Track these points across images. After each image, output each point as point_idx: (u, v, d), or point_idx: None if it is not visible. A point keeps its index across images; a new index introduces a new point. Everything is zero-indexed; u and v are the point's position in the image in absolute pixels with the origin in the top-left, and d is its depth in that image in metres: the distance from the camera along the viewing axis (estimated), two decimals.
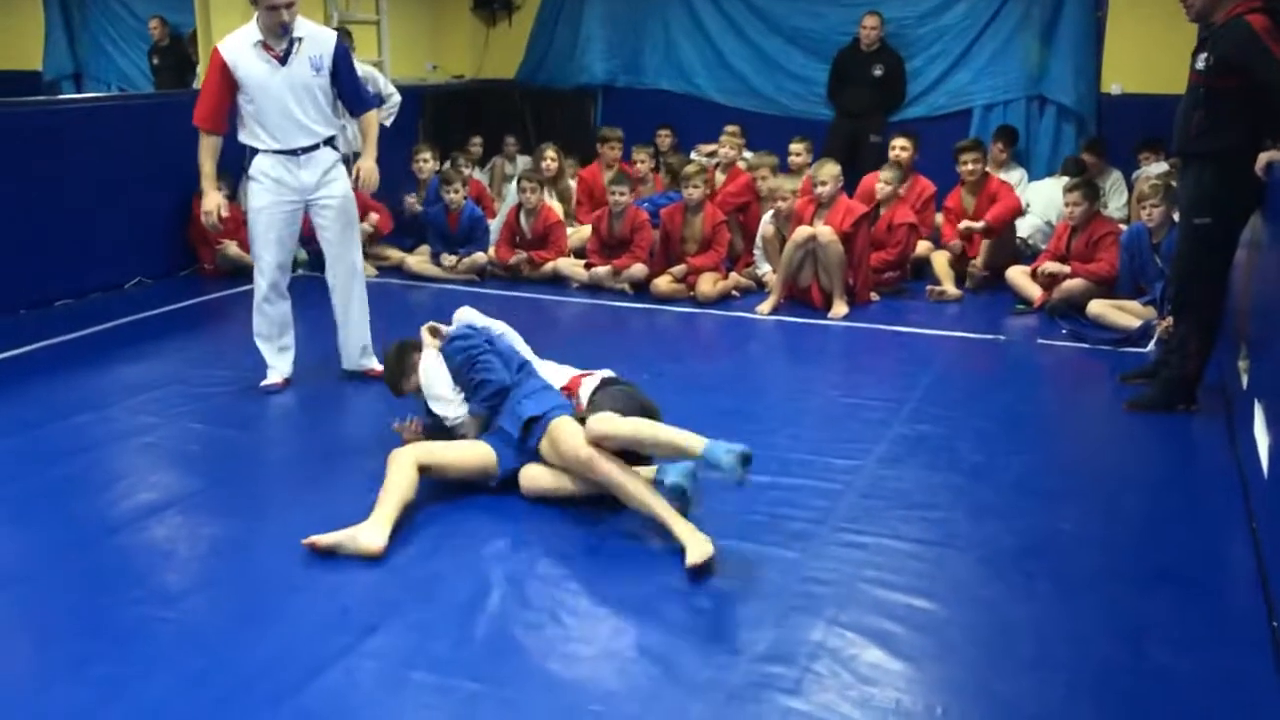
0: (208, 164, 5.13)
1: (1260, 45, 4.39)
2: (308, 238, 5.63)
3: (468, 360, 4.23)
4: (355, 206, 5.42)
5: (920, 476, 4.31)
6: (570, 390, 4.27)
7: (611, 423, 3.82)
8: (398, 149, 8.12)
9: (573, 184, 8.79)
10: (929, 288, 7.24)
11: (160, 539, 3.76)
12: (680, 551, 3.52)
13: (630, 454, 3.91)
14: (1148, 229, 6.28)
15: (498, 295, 7.19)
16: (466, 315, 4.54)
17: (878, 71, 9.35)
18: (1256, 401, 4.14)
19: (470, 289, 7.41)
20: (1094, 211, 6.82)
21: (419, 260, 7.89)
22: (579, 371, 4.41)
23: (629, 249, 7.43)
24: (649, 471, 3.88)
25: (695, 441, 3.67)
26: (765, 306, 6.91)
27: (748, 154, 8.57)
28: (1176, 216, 5.40)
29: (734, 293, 7.29)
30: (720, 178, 8.32)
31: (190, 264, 7.87)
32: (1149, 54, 8.60)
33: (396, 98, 7.80)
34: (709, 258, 7.27)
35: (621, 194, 7.41)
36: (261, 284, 5.26)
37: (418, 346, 4.48)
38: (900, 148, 7.75)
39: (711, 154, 9.00)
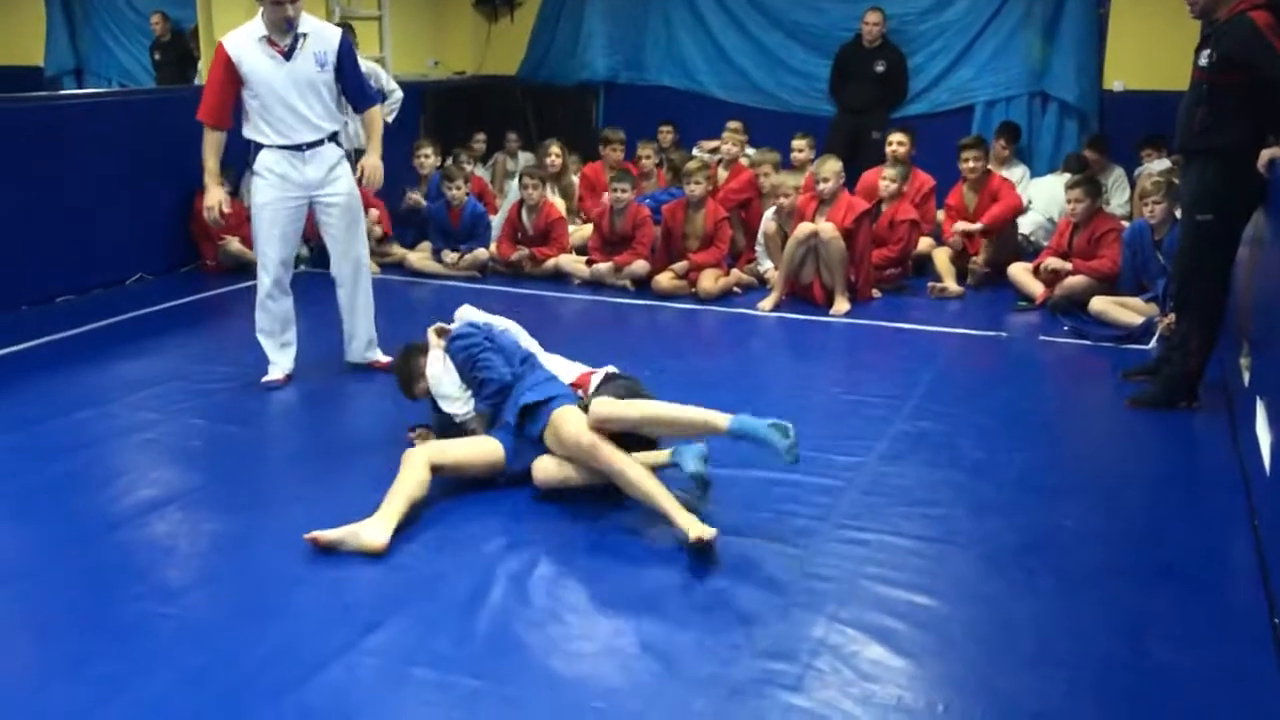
0: (211, 159, 5.14)
1: (1263, 41, 4.38)
2: (307, 234, 5.63)
3: (469, 359, 4.24)
4: (360, 203, 5.43)
5: (922, 473, 4.31)
6: (579, 386, 4.28)
7: (615, 405, 3.84)
8: (399, 145, 8.10)
9: (575, 180, 8.79)
10: (931, 284, 7.23)
11: (161, 535, 3.76)
12: (683, 540, 3.53)
13: (630, 442, 3.90)
14: (1150, 226, 6.27)
15: (499, 292, 7.20)
16: (467, 314, 4.54)
17: (880, 68, 9.34)
18: (1258, 398, 4.14)
19: (472, 285, 7.41)
20: (1096, 208, 6.81)
21: (420, 257, 7.89)
22: (587, 369, 4.42)
23: (630, 245, 7.42)
24: (651, 458, 3.90)
25: (719, 417, 3.69)
26: (767, 303, 6.90)
27: (750, 150, 8.56)
28: (1179, 213, 5.39)
29: (735, 289, 7.28)
30: (723, 174, 8.31)
31: (192, 260, 7.87)
32: (1151, 50, 8.59)
33: (398, 94, 7.79)
34: (711, 254, 7.26)
35: (623, 191, 7.40)
36: (265, 280, 5.26)
37: (423, 350, 4.48)
38: (897, 143, 7.74)
39: (714, 150, 8.99)
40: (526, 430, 4.04)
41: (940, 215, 7.91)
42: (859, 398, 5.18)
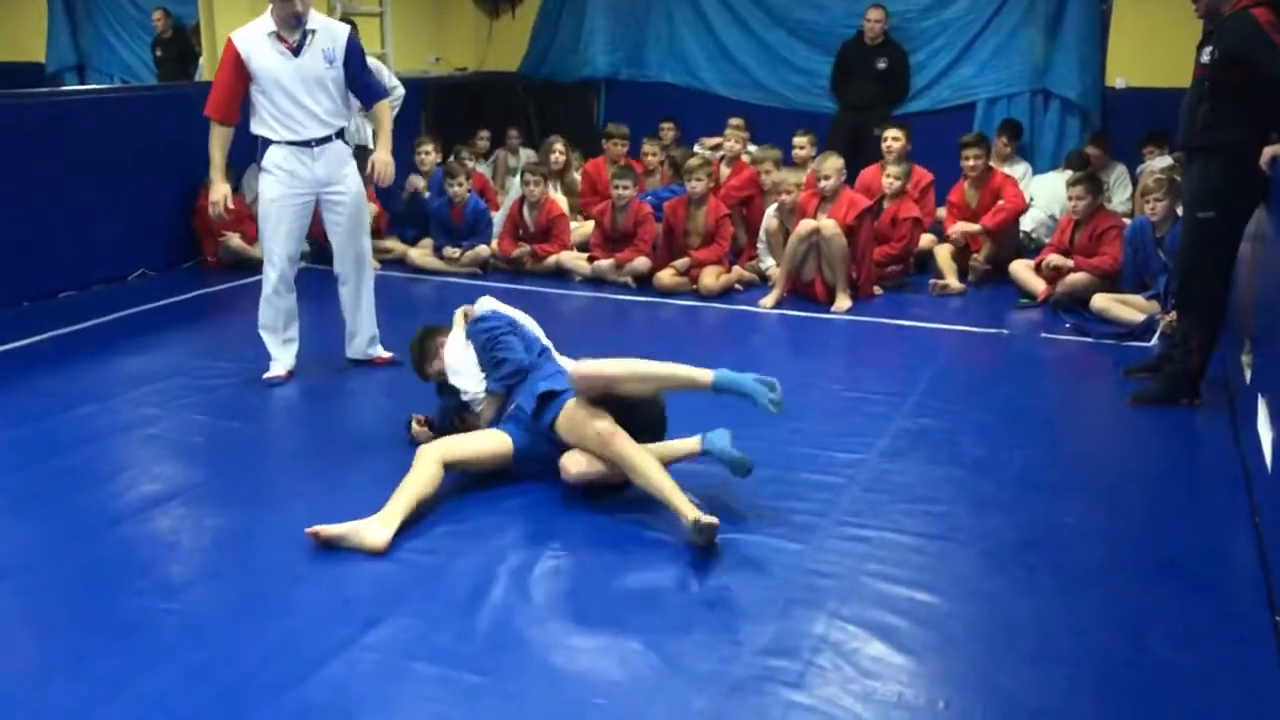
0: (218, 154, 5.15)
1: (1265, 38, 4.38)
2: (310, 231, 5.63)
3: (490, 340, 4.29)
4: (365, 201, 5.44)
5: (923, 470, 4.31)
6: None
7: (596, 362, 3.90)
8: (400, 142, 8.02)
9: (578, 177, 8.79)
10: (932, 281, 7.23)
11: (163, 531, 3.77)
12: (686, 526, 3.55)
13: (640, 434, 3.92)
14: (1151, 223, 6.26)
15: (501, 288, 7.19)
16: (489, 304, 4.59)
17: (881, 65, 9.34)
18: (1260, 396, 4.14)
19: (473, 282, 7.42)
20: (1097, 205, 6.81)
21: (422, 253, 7.89)
22: None
23: (632, 242, 7.42)
24: (677, 448, 3.94)
25: (703, 373, 3.72)
26: (768, 300, 6.90)
27: (751, 148, 8.56)
28: (1180, 211, 5.39)
29: (737, 286, 7.28)
30: (725, 171, 8.31)
31: (193, 256, 7.88)
32: (1154, 48, 8.58)
33: (400, 90, 7.80)
34: (712, 251, 7.26)
35: (625, 188, 7.40)
36: (271, 276, 5.27)
37: (442, 331, 4.55)
38: (893, 138, 7.74)
39: (715, 147, 8.99)
40: (541, 417, 4.04)
41: (942, 212, 7.91)
42: (860, 395, 5.18)
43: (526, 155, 9.80)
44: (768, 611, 3.23)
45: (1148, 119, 8.37)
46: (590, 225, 7.88)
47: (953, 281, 7.20)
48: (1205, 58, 4.64)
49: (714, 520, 3.54)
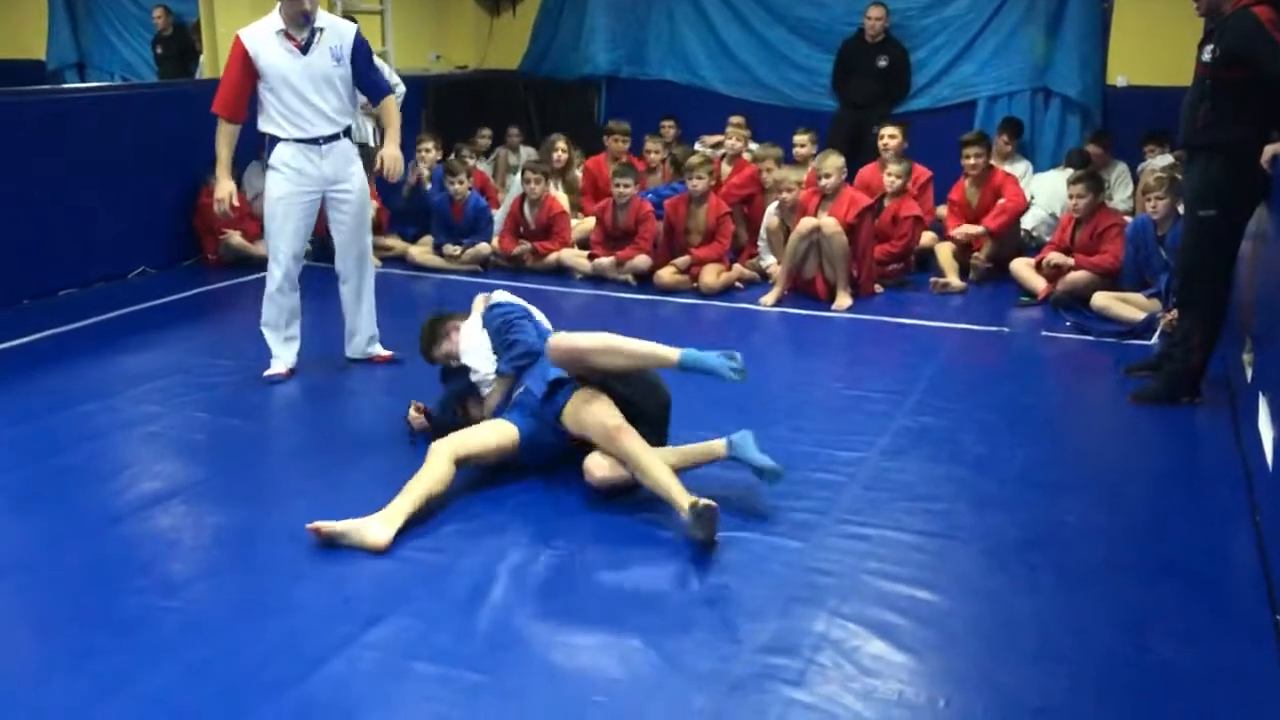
0: (224, 152, 5.17)
1: (1266, 36, 4.38)
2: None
3: (506, 323, 4.33)
4: (369, 199, 5.45)
5: (923, 468, 4.30)
6: None
7: (570, 336, 3.96)
8: (401, 139, 8.10)
9: (579, 174, 8.78)
10: (933, 280, 7.23)
11: (164, 528, 3.77)
12: (686, 515, 3.56)
13: (652, 437, 3.94)
14: (1152, 221, 6.26)
15: (501, 286, 7.14)
16: (505, 295, 4.64)
17: (882, 63, 9.33)
18: (1261, 394, 4.14)
19: (474, 279, 7.41)
20: (1098, 204, 6.81)
21: (422, 251, 7.89)
22: None
23: (633, 240, 7.42)
24: (700, 452, 3.95)
25: (670, 351, 3.78)
26: (769, 298, 6.90)
27: (753, 145, 8.56)
28: (1181, 209, 5.38)
29: (738, 284, 7.28)
30: (726, 169, 8.30)
31: (194, 254, 7.88)
32: (1155, 46, 8.58)
33: (401, 88, 7.78)
34: (713, 249, 7.26)
35: (626, 186, 7.40)
36: (276, 273, 5.28)
37: (454, 317, 4.62)
38: (889, 136, 7.74)
39: (717, 145, 8.99)
40: (551, 401, 4.05)
41: (942, 210, 7.91)
42: (861, 393, 5.18)
43: (527, 153, 9.80)
44: (768, 609, 3.23)
45: (1149, 117, 8.36)
46: (590, 223, 7.88)
47: (954, 280, 7.20)
48: (1206, 56, 4.64)
49: (711, 502, 3.53)
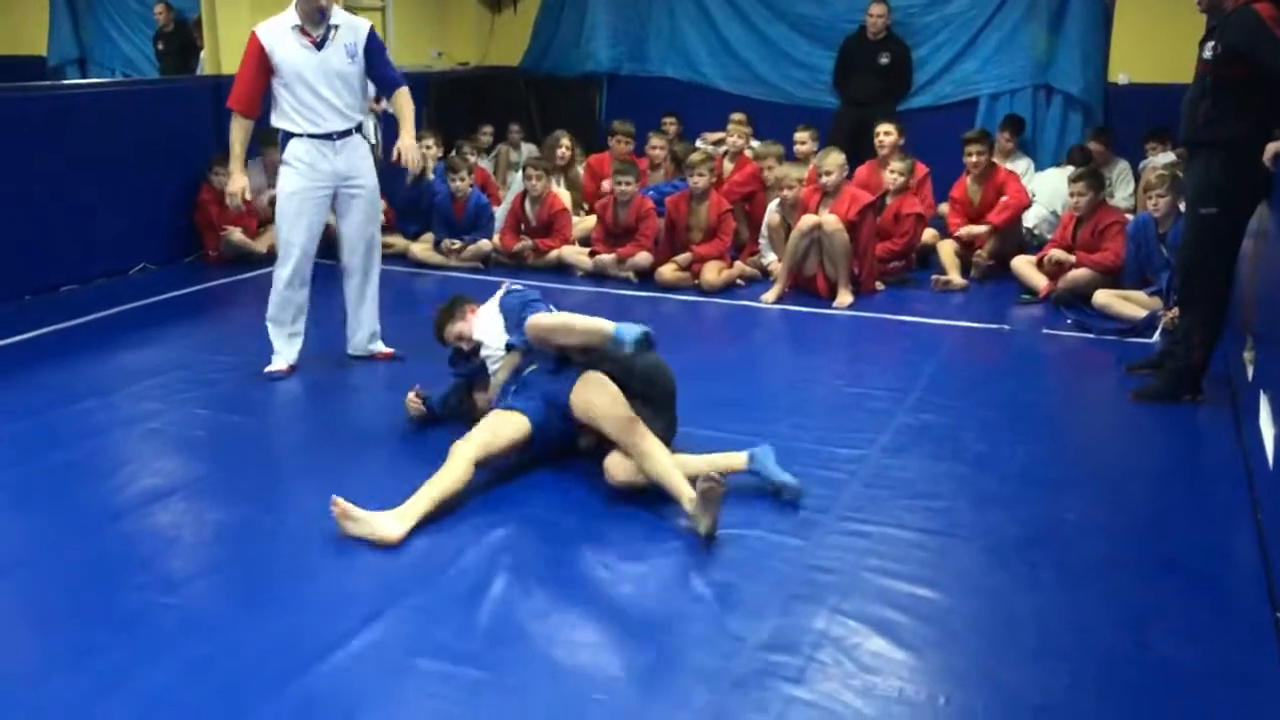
0: (239, 146, 5.20)
1: (1268, 33, 4.38)
2: None
3: (521, 304, 4.39)
4: (379, 195, 5.49)
5: (924, 466, 4.30)
6: None
7: (539, 315, 4.12)
8: None
9: (581, 171, 8.78)
10: (934, 277, 7.23)
11: (164, 525, 3.77)
12: (690, 508, 3.57)
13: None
14: (1154, 219, 6.26)
15: (502, 283, 7.17)
16: (520, 286, 4.70)
17: (884, 60, 9.32)
18: (1262, 392, 4.14)
19: (475, 276, 7.41)
20: (1099, 201, 6.81)
21: (423, 248, 7.88)
22: None
23: (634, 237, 7.42)
24: (723, 462, 3.96)
25: (607, 325, 3.86)
26: (770, 295, 6.90)
27: (754, 143, 8.55)
28: (1183, 206, 5.38)
29: (739, 281, 7.28)
30: (728, 167, 8.30)
31: (194, 251, 7.88)
32: (1156, 43, 8.56)
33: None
34: (714, 246, 7.26)
35: (627, 183, 7.39)
36: (286, 268, 5.28)
37: (472, 300, 4.70)
38: (884, 133, 7.74)
39: (718, 142, 8.98)
40: (558, 377, 4.08)
41: (944, 208, 7.91)
42: (862, 390, 5.18)
43: (528, 150, 9.79)
44: (769, 607, 3.23)
45: (1150, 115, 8.34)
46: (592, 220, 7.87)
47: (955, 277, 7.19)
48: (1207, 53, 4.64)
49: (716, 477, 3.53)
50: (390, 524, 3.59)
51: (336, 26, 5.13)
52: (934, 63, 9.51)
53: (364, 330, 5.54)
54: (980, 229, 7.40)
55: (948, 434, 4.63)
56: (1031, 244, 7.72)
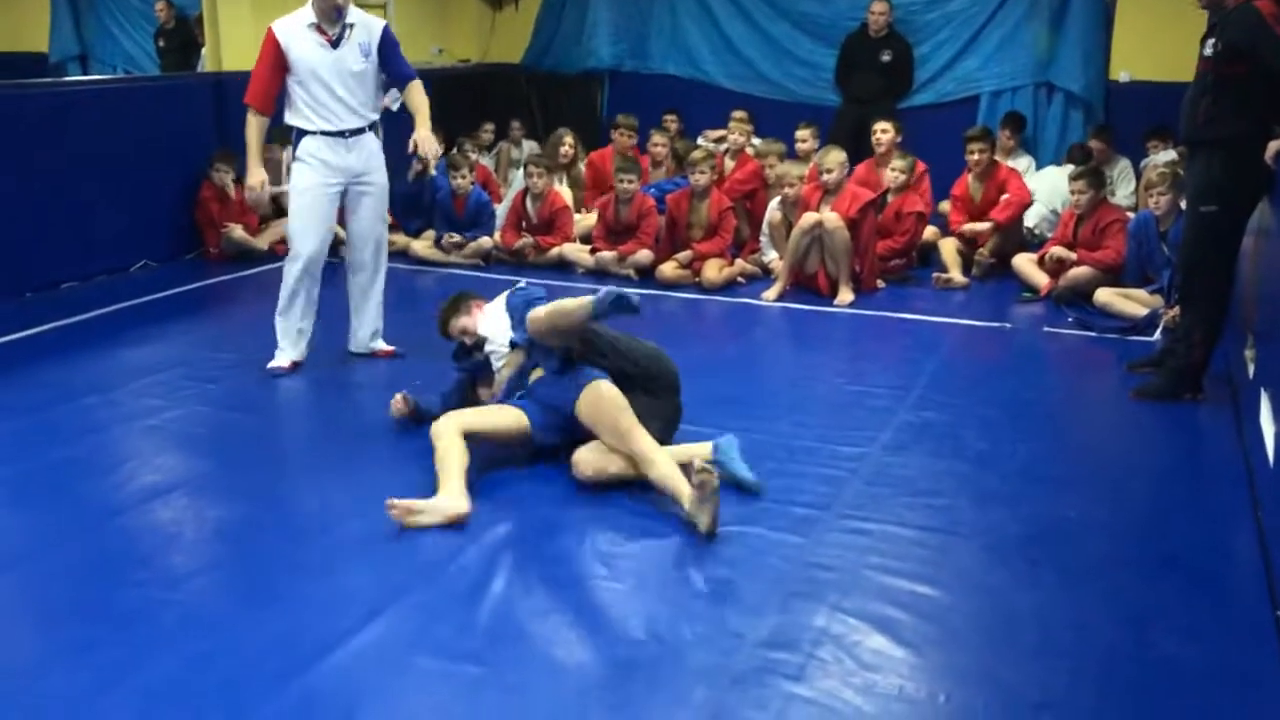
0: (255, 142, 5.22)
1: (1269, 31, 4.37)
2: None
3: (526, 302, 4.36)
4: (388, 193, 5.51)
5: (925, 464, 4.30)
6: None
7: (537, 308, 4.08)
8: (402, 134, 8.09)
9: (583, 169, 8.78)
10: (935, 275, 7.23)
11: (165, 521, 3.77)
12: (690, 507, 3.58)
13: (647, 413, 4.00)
14: (1155, 217, 6.26)
15: (503, 280, 7.14)
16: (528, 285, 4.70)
17: (886, 57, 9.32)
18: (1263, 391, 4.13)
19: (475, 273, 7.41)
20: (1100, 199, 6.80)
21: (424, 245, 7.88)
22: None
23: (635, 235, 7.42)
24: (686, 452, 3.96)
25: (587, 300, 3.86)
26: (771, 293, 6.90)
27: (756, 140, 8.54)
28: (1184, 204, 5.38)
29: (739, 279, 7.27)
30: (729, 164, 8.29)
31: (195, 247, 7.87)
32: (1158, 41, 8.55)
33: None
34: (715, 244, 7.26)
35: (629, 181, 7.39)
36: (296, 265, 5.28)
37: (479, 296, 4.71)
38: (881, 131, 7.73)
39: (719, 140, 8.98)
40: (565, 382, 4.07)
41: (945, 206, 7.90)
42: (863, 388, 5.18)
43: (530, 147, 9.78)
44: (769, 604, 3.23)
45: (1151, 113, 8.35)
46: (593, 217, 7.87)
47: (956, 275, 7.19)
48: (1208, 50, 4.63)
49: (708, 468, 3.55)
50: (454, 501, 3.66)
51: (352, 25, 5.16)
52: (935, 60, 9.51)
53: (365, 328, 5.54)
54: (983, 226, 7.40)
55: (948, 432, 4.63)
56: (1032, 242, 7.71)
